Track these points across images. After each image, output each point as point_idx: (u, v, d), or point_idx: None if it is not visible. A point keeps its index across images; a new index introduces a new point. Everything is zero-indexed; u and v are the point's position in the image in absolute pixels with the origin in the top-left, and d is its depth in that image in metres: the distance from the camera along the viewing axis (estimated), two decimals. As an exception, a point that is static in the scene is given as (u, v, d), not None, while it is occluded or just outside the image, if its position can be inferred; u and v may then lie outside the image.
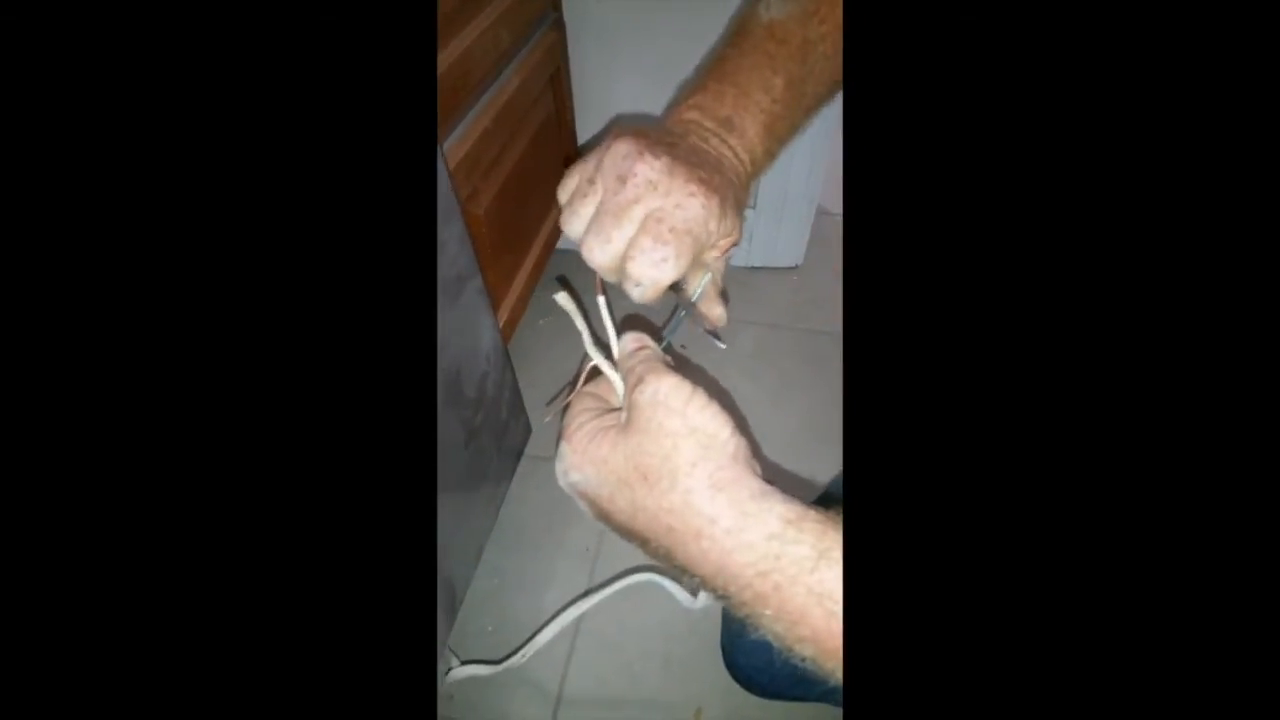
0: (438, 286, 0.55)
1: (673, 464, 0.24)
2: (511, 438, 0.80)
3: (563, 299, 0.31)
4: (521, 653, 0.73)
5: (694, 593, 0.67)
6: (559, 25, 0.96)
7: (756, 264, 1.24)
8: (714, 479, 0.24)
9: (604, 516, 0.27)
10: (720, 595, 0.24)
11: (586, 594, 0.76)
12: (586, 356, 0.31)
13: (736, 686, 0.69)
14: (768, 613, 0.22)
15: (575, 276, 1.21)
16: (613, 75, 1.06)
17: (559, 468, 0.28)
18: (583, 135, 1.12)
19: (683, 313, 0.32)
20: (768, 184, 1.14)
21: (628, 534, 0.26)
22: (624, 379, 0.28)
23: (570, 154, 1.10)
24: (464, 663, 0.73)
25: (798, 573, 0.22)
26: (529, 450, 0.86)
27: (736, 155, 0.31)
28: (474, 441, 0.67)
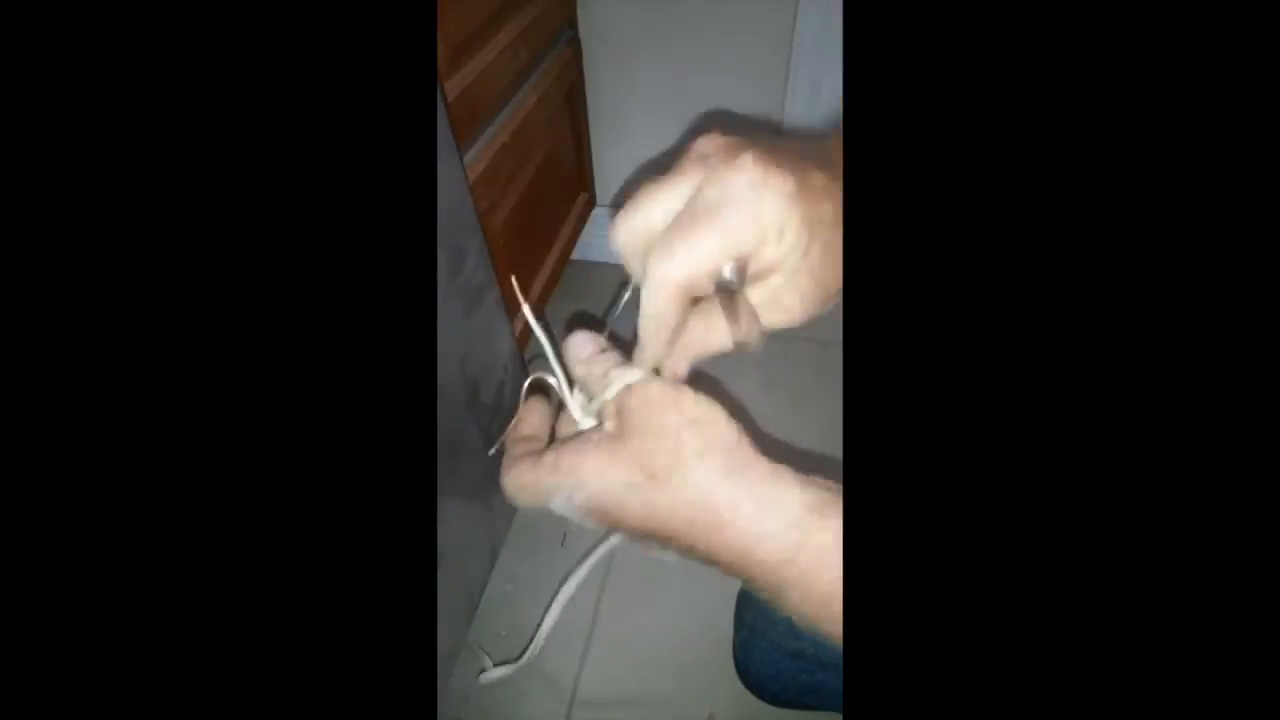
0: (459, 298, 0.57)
1: (681, 458, 0.23)
2: (527, 445, 0.81)
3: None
4: (532, 646, 0.75)
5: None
6: (575, 42, 0.98)
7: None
8: (726, 466, 0.23)
9: (617, 524, 0.26)
10: (745, 581, 0.24)
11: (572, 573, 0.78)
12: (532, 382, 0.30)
13: (748, 692, 0.70)
14: (794, 596, 0.22)
15: (589, 287, 1.22)
16: (627, 91, 1.08)
17: (559, 499, 0.26)
18: (598, 150, 1.14)
19: (628, 293, 0.29)
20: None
21: (646, 536, 0.26)
22: (589, 386, 0.28)
23: (586, 169, 1.12)
24: (496, 665, 0.75)
25: (823, 559, 0.22)
26: (543, 457, 0.87)
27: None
28: (491, 448, 0.69)
